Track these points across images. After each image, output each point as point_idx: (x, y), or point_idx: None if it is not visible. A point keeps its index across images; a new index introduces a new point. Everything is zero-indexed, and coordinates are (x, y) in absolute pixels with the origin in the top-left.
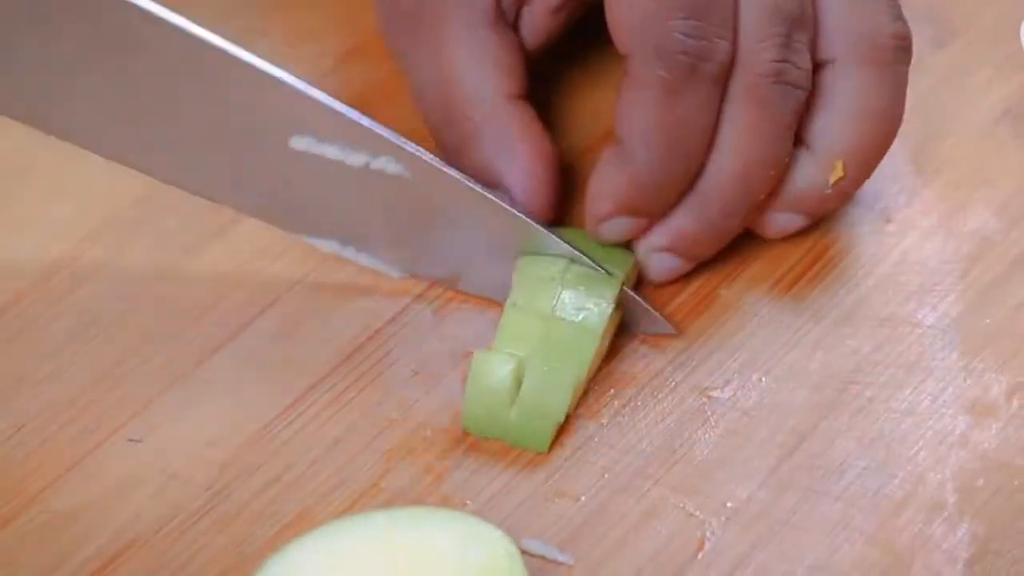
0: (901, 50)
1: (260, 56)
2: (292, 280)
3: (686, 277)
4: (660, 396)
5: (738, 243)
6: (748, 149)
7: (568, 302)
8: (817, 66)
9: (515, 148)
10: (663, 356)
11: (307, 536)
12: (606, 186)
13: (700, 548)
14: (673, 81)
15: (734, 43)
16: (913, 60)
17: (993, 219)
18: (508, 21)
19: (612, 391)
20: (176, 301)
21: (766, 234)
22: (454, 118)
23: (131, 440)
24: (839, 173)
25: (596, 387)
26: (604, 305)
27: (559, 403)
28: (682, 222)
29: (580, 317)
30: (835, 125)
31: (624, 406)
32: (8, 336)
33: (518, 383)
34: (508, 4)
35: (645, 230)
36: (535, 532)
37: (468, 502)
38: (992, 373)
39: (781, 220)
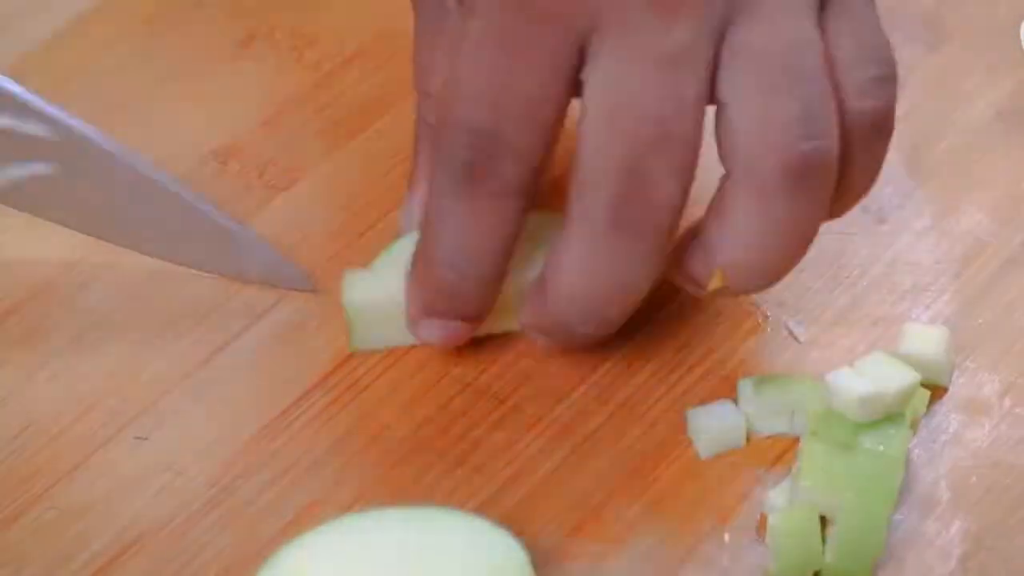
0: (800, 177)
1: (264, 58)
2: None
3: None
4: (650, 402)
5: None
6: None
7: (868, 431)
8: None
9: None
10: (651, 364)
11: (314, 532)
12: (410, 288)
13: (697, 544)
14: (453, 193)
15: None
16: (907, 63)
17: (986, 220)
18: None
19: (613, 391)
20: (181, 302)
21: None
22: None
23: (137, 438)
24: (717, 283)
25: (596, 391)
26: (904, 431)
27: (877, 540)
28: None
29: (882, 447)
30: (720, 242)
31: (620, 406)
32: (16, 336)
33: (822, 526)
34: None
35: (468, 333)
36: (536, 528)
37: (470, 499)
38: (985, 372)
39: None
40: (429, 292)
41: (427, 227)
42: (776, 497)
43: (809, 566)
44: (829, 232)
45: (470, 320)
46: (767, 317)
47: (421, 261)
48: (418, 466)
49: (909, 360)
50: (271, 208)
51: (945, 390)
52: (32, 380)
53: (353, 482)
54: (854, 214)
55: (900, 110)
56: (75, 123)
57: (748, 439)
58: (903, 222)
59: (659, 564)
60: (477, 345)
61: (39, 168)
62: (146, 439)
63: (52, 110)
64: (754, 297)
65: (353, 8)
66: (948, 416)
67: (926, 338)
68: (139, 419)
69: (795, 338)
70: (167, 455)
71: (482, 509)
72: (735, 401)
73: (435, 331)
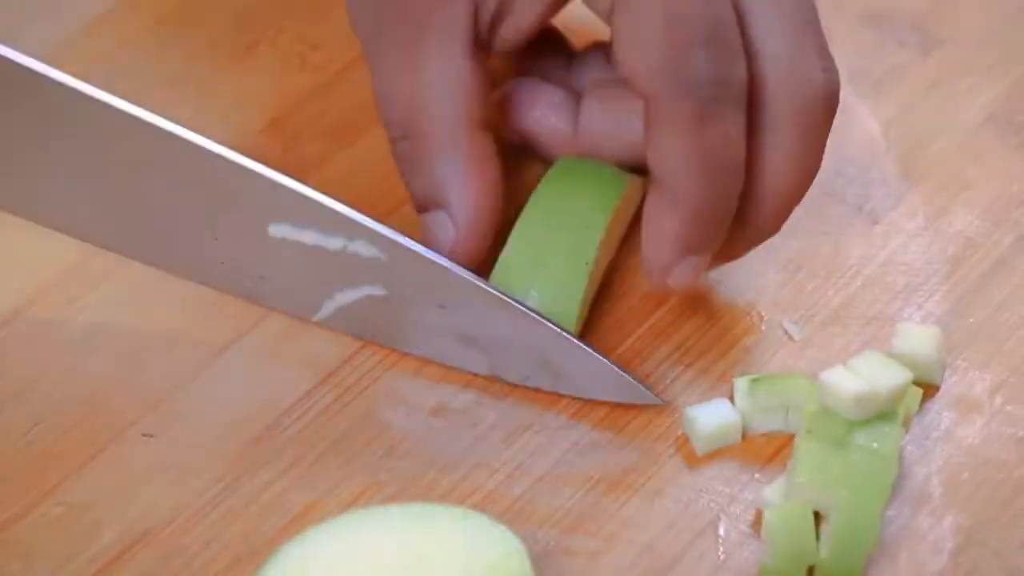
0: (829, 108)
1: (269, 62)
2: None
3: None
4: (657, 390)
5: None
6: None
7: (861, 429)
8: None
9: (467, 179)
10: (649, 362)
11: (316, 529)
12: (664, 231)
13: (693, 539)
14: (703, 111)
15: (750, 61)
16: (901, 67)
17: (976, 221)
18: (482, 43)
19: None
20: (187, 301)
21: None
22: (414, 134)
23: (144, 435)
24: None
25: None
26: (896, 429)
27: (871, 535)
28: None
29: (875, 444)
30: (758, 184)
31: (618, 404)
32: (26, 335)
33: (817, 522)
34: (483, 23)
35: (707, 265)
36: (536, 522)
37: (470, 496)
38: (976, 371)
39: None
40: (689, 230)
41: (669, 158)
42: (772, 494)
43: (804, 561)
44: (824, 232)
45: (714, 246)
46: (763, 317)
47: (668, 198)
48: (419, 463)
49: (902, 359)
50: None
51: (937, 388)
52: (42, 378)
53: (355, 479)
54: (848, 214)
55: (894, 112)
56: (407, 242)
57: (744, 436)
58: (896, 223)
59: (656, 559)
60: None
61: (370, 291)
62: (153, 436)
63: (384, 230)
64: (750, 297)
65: None
66: (940, 414)
67: (919, 337)
68: (146, 417)
69: (790, 337)
70: (173, 452)
71: (482, 505)
72: (731, 399)
73: (689, 270)
